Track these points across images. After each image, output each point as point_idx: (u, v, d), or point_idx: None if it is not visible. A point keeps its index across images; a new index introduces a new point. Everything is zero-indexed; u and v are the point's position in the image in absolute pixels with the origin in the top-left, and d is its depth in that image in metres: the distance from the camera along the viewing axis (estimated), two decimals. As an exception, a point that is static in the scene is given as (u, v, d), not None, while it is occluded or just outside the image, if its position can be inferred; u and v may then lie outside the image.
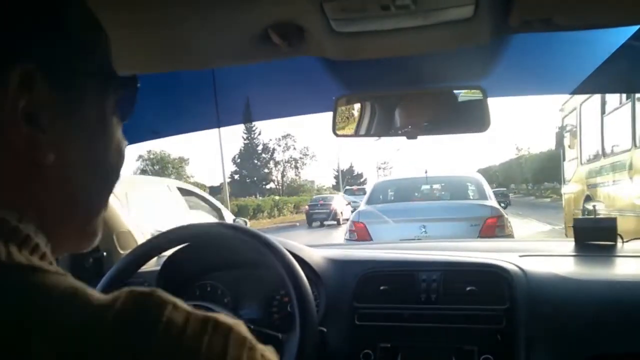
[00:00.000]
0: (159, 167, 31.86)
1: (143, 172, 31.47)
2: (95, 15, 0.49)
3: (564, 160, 9.25)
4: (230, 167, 44.58)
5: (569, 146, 8.69)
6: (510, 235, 5.32)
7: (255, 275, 1.39)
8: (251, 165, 44.97)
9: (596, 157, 7.35)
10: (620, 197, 6.41)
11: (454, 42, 0.98)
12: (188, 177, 33.12)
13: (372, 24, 0.89)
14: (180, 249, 1.37)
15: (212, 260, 1.42)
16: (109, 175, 0.50)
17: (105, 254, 1.56)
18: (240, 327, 0.38)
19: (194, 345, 0.34)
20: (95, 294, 0.37)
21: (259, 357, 0.37)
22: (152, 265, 1.49)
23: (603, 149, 7.04)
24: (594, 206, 2.13)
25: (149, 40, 0.91)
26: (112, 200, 1.56)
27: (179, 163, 32.87)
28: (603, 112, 6.92)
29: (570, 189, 8.66)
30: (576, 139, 8.19)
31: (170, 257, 1.41)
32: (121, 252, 1.58)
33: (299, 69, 1.23)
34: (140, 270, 1.26)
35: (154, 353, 0.34)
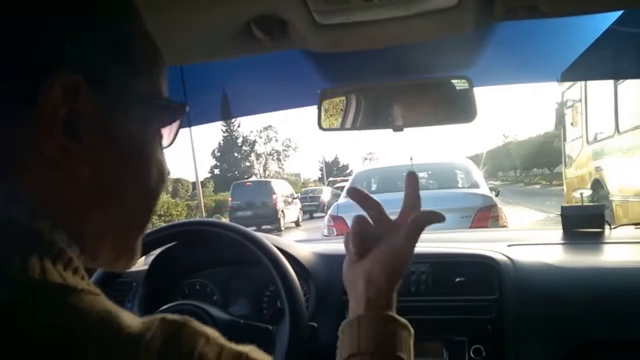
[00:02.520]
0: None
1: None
2: (154, 41, 0.49)
3: (564, 140, 8.24)
4: (211, 162, 44.16)
5: (572, 124, 7.58)
6: (504, 227, 4.82)
7: (244, 272, 1.38)
8: (232, 158, 44.31)
9: (607, 135, 6.27)
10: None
11: (439, 32, 0.97)
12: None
13: (355, 15, 0.88)
14: (168, 247, 1.35)
15: (201, 258, 1.41)
16: (148, 196, 0.49)
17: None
18: None
19: None
20: (128, 318, 0.36)
21: None
22: (141, 264, 1.48)
23: (617, 123, 5.96)
24: (581, 194, 2.13)
25: None
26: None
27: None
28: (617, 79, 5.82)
29: (573, 173, 7.73)
30: (580, 115, 7.12)
31: (158, 255, 1.40)
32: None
33: (282, 62, 1.21)
34: (128, 270, 1.25)
35: None
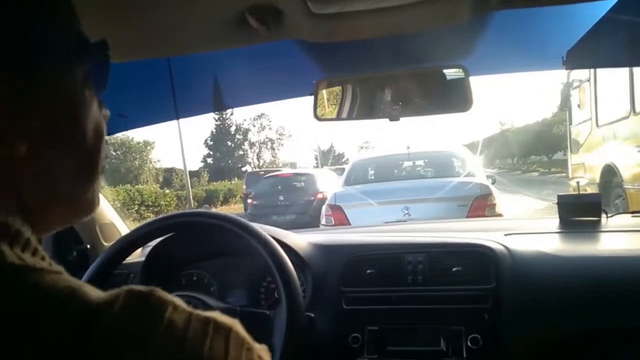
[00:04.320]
0: (121, 152, 30.50)
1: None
2: None
3: (570, 124, 7.51)
4: (204, 151, 43.30)
5: (579, 106, 6.83)
6: (500, 215, 4.72)
7: (241, 262, 1.38)
8: (225, 147, 43.36)
9: (621, 116, 5.56)
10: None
11: (435, 21, 0.97)
12: (153, 162, 32.03)
13: (350, 5, 0.87)
14: (165, 239, 1.35)
15: (197, 249, 1.40)
16: (89, 153, 0.46)
17: (88, 246, 1.54)
18: (238, 327, 0.38)
19: (196, 347, 0.34)
20: (92, 292, 0.35)
21: (256, 358, 0.38)
22: (137, 255, 1.48)
23: (633, 103, 5.27)
24: (577, 182, 2.13)
25: (121, 26, 0.88)
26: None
27: (144, 147, 31.62)
28: None
29: (580, 159, 7.01)
30: (589, 95, 6.40)
31: (155, 247, 1.40)
32: (105, 243, 1.56)
33: (277, 52, 1.20)
34: (125, 262, 1.25)
35: (155, 356, 0.33)
